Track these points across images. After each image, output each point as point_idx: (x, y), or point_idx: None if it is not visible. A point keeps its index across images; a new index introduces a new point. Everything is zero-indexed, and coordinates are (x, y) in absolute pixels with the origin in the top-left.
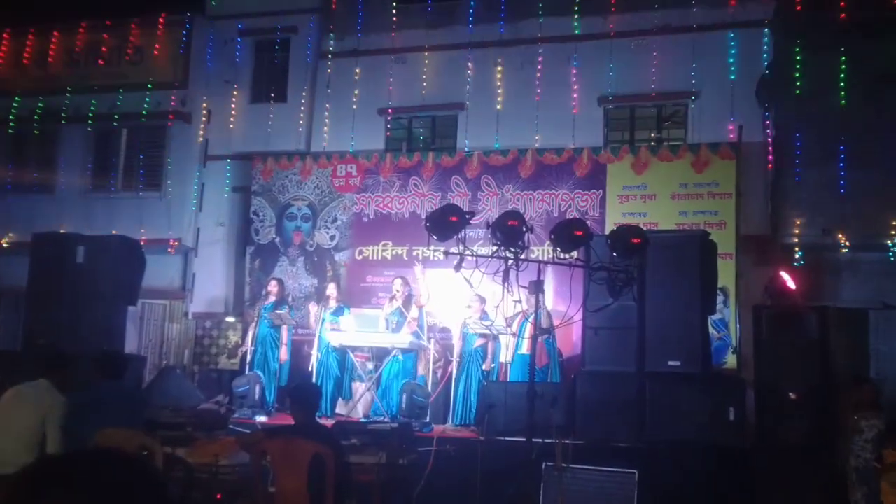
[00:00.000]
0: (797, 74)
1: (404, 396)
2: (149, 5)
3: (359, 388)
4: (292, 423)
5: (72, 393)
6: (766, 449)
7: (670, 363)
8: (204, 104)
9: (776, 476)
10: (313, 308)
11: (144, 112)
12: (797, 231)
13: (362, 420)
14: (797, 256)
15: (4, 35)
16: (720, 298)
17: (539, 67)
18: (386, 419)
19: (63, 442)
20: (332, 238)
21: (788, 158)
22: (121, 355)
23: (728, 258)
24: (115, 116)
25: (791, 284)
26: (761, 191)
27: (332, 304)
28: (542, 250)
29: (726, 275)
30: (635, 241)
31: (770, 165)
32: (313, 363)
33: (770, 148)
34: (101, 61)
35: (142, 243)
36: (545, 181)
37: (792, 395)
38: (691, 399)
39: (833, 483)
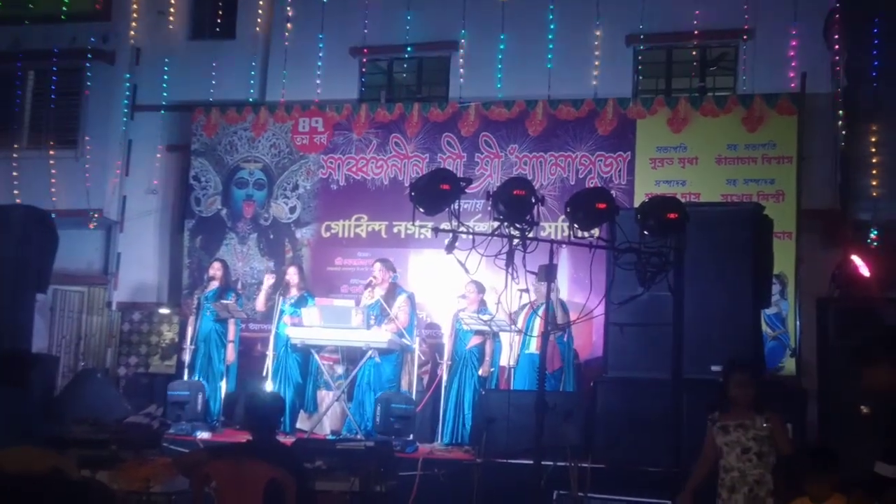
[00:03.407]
0: (876, 8)
1: (378, 410)
2: None
3: (325, 397)
4: (244, 440)
5: None
6: None
7: (714, 368)
8: (131, 41)
9: None
10: (265, 290)
11: (56, 50)
12: (873, 205)
13: (330, 437)
14: (873, 236)
15: None
16: (776, 288)
17: None
18: (359, 437)
19: None
20: (293, 210)
21: (863, 114)
22: (26, 355)
23: (787, 238)
24: (19, 55)
25: (864, 271)
26: (829, 154)
27: (293, 292)
28: (555, 227)
29: (784, 259)
30: (671, 216)
31: (840, 123)
32: (268, 366)
33: (841, 101)
34: None
35: (53, 215)
36: (559, 140)
37: (863, 409)
38: None
39: None
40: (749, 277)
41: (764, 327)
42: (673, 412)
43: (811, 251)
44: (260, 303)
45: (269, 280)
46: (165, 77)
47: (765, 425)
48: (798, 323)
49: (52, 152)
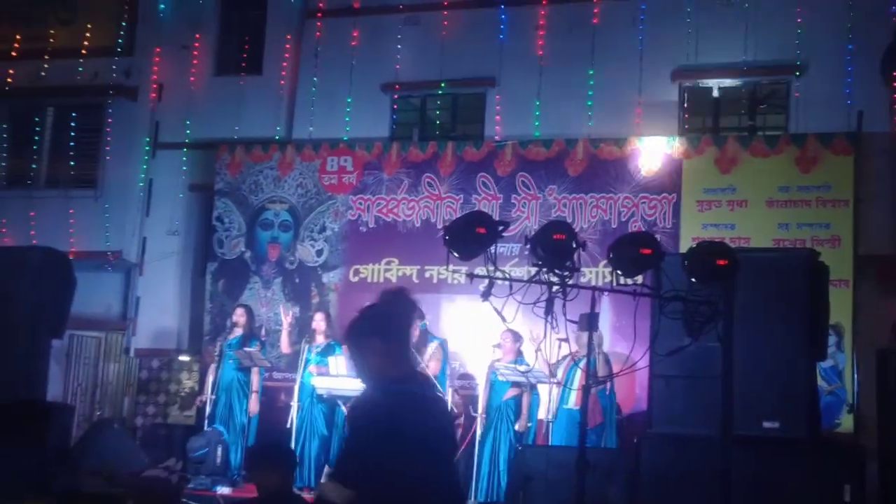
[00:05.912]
0: None
1: None
2: None
3: None
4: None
5: None
6: None
7: (766, 425)
8: (154, 76)
9: None
10: (286, 329)
11: (77, 86)
12: None
13: None
14: None
15: None
16: (832, 340)
17: (594, 31)
18: None
19: None
20: (320, 253)
21: None
22: (41, 405)
23: (843, 286)
24: (39, 91)
25: None
26: (888, 197)
27: (320, 339)
28: (596, 273)
29: (841, 308)
30: (720, 262)
31: None
32: (293, 417)
33: None
34: (21, 19)
35: (71, 257)
36: (601, 181)
37: None
38: (794, 473)
39: None
40: (803, 328)
41: (819, 381)
42: (721, 471)
43: (869, 300)
44: (284, 344)
45: (287, 318)
46: (189, 114)
47: None
48: (856, 376)
49: (70, 192)
